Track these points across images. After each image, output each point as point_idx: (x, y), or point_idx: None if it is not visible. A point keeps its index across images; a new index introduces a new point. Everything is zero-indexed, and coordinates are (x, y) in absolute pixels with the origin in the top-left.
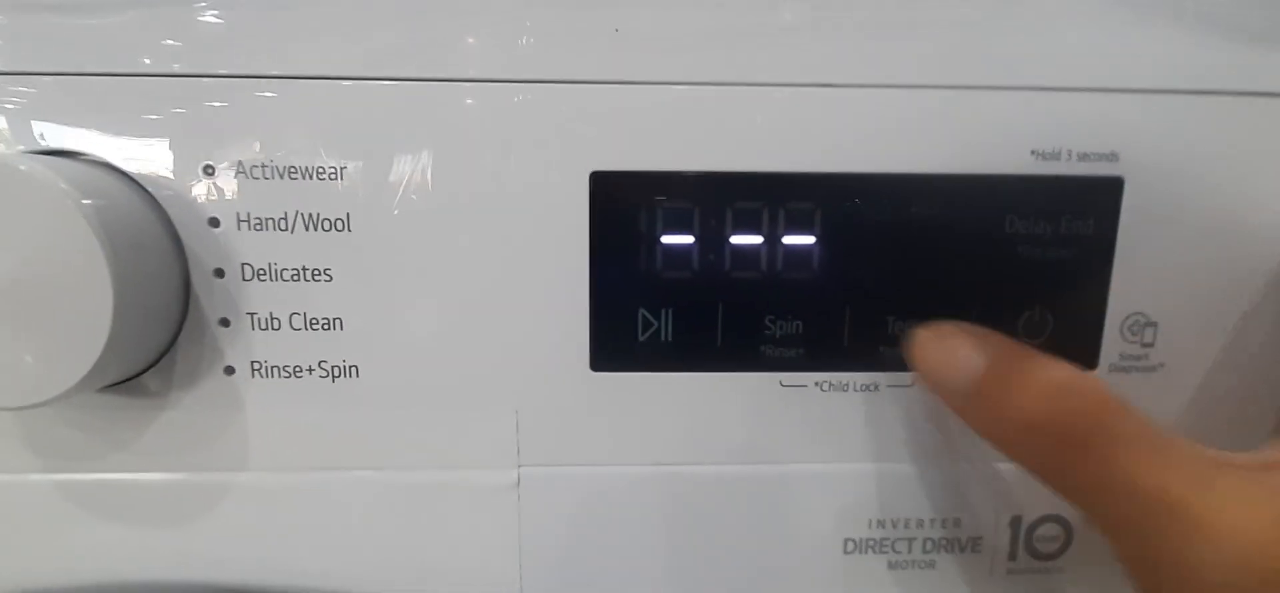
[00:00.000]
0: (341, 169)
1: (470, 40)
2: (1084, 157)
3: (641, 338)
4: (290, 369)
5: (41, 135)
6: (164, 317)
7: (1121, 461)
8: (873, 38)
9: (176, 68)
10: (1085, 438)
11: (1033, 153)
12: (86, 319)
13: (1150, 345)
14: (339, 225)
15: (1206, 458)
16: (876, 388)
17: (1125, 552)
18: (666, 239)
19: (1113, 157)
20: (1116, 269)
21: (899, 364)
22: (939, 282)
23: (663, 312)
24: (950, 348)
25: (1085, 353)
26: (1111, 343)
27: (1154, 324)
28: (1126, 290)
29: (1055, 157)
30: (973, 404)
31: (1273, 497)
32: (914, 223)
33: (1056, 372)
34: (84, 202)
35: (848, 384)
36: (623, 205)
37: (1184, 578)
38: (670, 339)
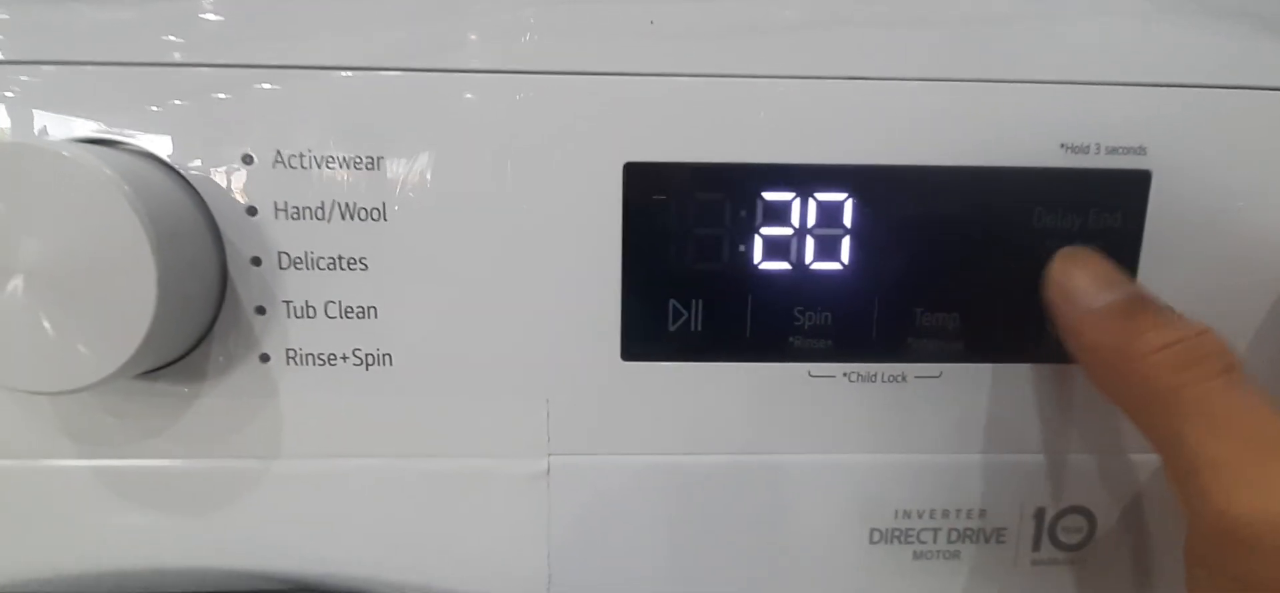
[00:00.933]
0: (378, 160)
1: (507, 33)
2: (1113, 150)
3: (672, 328)
4: (324, 357)
5: (77, 125)
6: (201, 304)
7: (1223, 395)
8: (904, 31)
9: (217, 58)
10: (1199, 368)
11: (1062, 146)
12: (129, 305)
13: None
14: (375, 215)
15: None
16: (904, 379)
17: (1200, 473)
18: (697, 230)
19: (1141, 150)
20: (1143, 261)
21: (926, 356)
22: (968, 273)
23: (693, 302)
24: (1098, 269)
25: None
26: None
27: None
28: (1153, 282)
29: (1084, 150)
30: (1102, 319)
31: None
32: (943, 215)
33: (1187, 319)
34: (126, 188)
35: (876, 375)
36: (655, 196)
37: (1262, 498)
38: (700, 329)
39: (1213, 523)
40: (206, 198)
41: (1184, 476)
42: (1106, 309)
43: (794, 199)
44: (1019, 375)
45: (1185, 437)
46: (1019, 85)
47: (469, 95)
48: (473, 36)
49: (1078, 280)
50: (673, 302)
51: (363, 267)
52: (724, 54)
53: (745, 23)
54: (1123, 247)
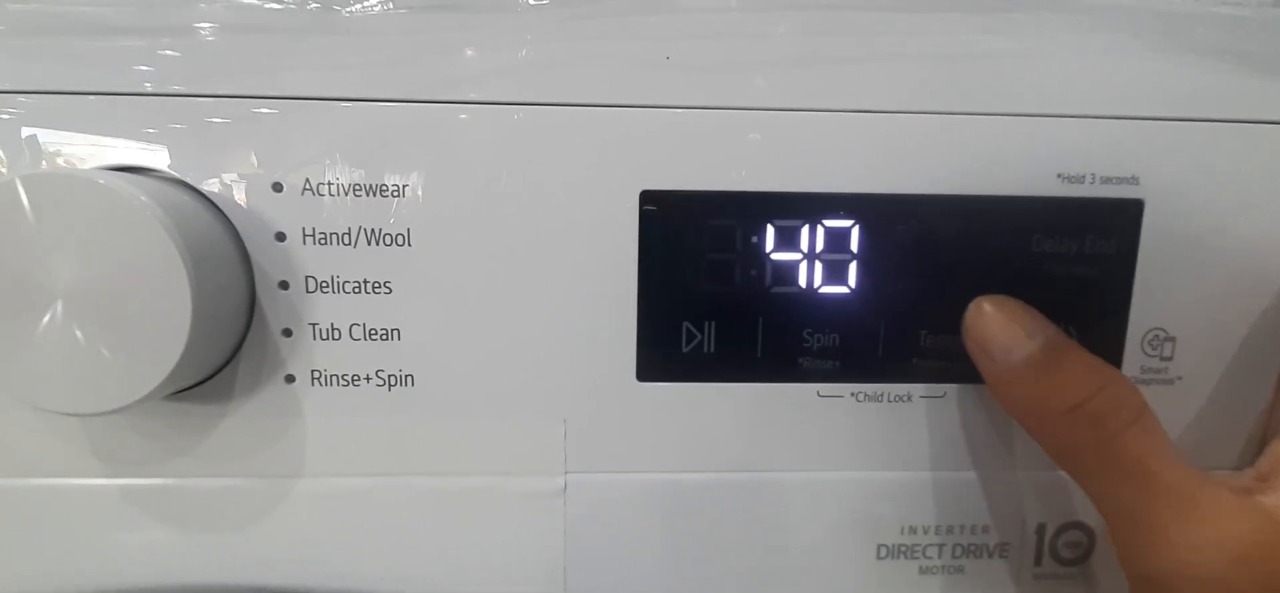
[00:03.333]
0: (404, 187)
1: (529, 67)
2: (1107, 180)
3: (685, 349)
4: (349, 378)
5: (111, 153)
6: (230, 327)
7: (1135, 447)
8: (907, 67)
9: (250, 89)
10: (1110, 423)
11: (1058, 176)
12: (165, 328)
13: (1169, 359)
14: (400, 241)
15: (1203, 473)
16: (909, 399)
17: (1119, 527)
18: (710, 255)
19: (1134, 180)
20: (1137, 287)
21: (930, 376)
22: (969, 297)
23: (706, 324)
24: (1014, 321)
25: None
26: (1132, 356)
27: (1173, 339)
28: (1147, 307)
29: (1080, 180)
30: (1018, 376)
31: (1273, 498)
32: (946, 241)
33: (1099, 363)
34: (161, 214)
35: (882, 395)
36: (670, 222)
37: (1176, 553)
38: (713, 351)
39: (1139, 578)
40: (237, 224)
41: (1111, 526)
42: (1022, 364)
43: (803, 226)
44: None
45: (1105, 492)
46: (1017, 118)
47: (491, 126)
48: (496, 70)
49: (991, 331)
50: (686, 324)
51: (387, 290)
52: (736, 87)
53: (756, 58)
54: (1117, 272)
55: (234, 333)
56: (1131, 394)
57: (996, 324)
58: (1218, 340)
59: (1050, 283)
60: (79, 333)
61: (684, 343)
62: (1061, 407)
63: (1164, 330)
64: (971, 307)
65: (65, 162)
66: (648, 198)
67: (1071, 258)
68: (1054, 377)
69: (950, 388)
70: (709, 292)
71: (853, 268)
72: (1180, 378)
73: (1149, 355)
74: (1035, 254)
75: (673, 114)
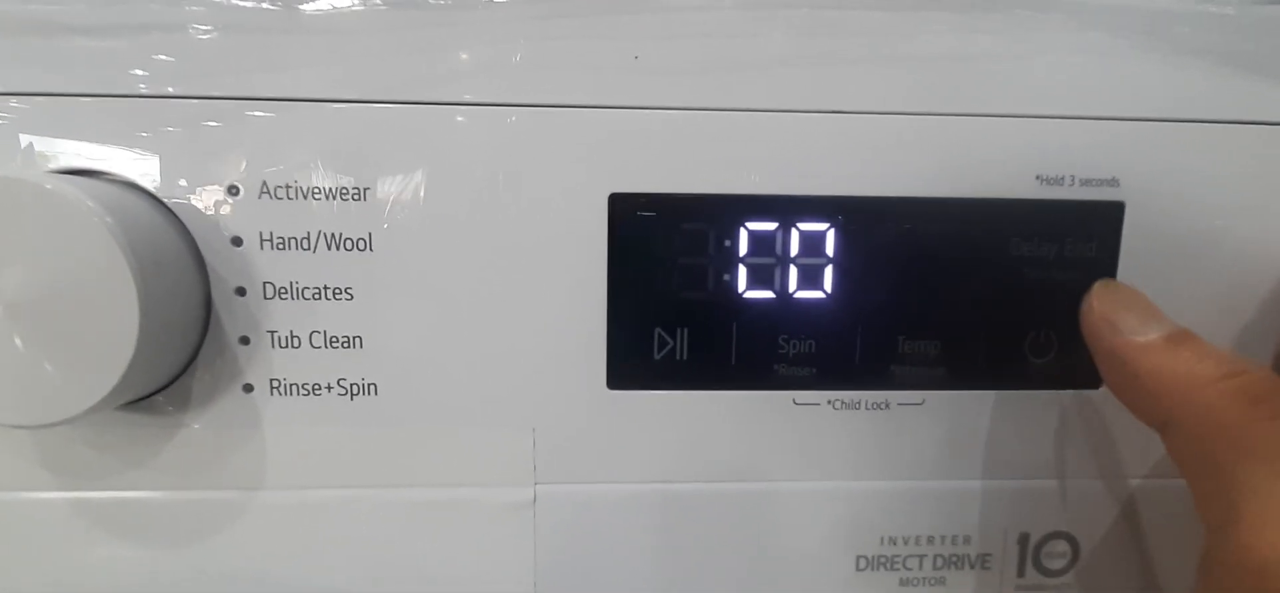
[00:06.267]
0: (364, 190)
1: (493, 67)
2: (1086, 182)
3: (657, 357)
4: (309, 387)
5: (63, 155)
6: (184, 335)
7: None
8: (883, 68)
9: (204, 90)
10: (1256, 422)
11: (1037, 178)
12: (111, 337)
13: None
14: (361, 245)
15: None
16: (887, 406)
17: (1249, 508)
18: (682, 259)
19: (1114, 182)
20: None
21: (909, 382)
22: (947, 302)
23: (678, 331)
24: (1143, 302)
25: (1089, 373)
26: None
27: None
28: None
29: (1059, 182)
30: (1156, 353)
31: None
32: (923, 245)
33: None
34: (108, 220)
35: (859, 403)
36: (640, 226)
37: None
38: (685, 358)
39: (1238, 554)
40: (191, 228)
41: (1222, 503)
42: (1164, 338)
43: (777, 229)
44: (1001, 401)
45: (1237, 468)
46: (995, 119)
47: (455, 127)
48: (459, 69)
49: (1122, 310)
50: (658, 330)
51: (348, 296)
52: (707, 88)
53: (727, 58)
54: (1097, 275)
55: (189, 341)
56: (1267, 383)
57: (1130, 303)
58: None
59: (1029, 286)
60: (20, 342)
61: (656, 350)
62: (1216, 374)
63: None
64: (1098, 288)
65: (12, 165)
66: (617, 201)
67: (1051, 261)
68: (1198, 346)
69: (929, 395)
70: (681, 297)
71: (829, 272)
72: None
73: None
74: (1014, 257)
75: (642, 115)
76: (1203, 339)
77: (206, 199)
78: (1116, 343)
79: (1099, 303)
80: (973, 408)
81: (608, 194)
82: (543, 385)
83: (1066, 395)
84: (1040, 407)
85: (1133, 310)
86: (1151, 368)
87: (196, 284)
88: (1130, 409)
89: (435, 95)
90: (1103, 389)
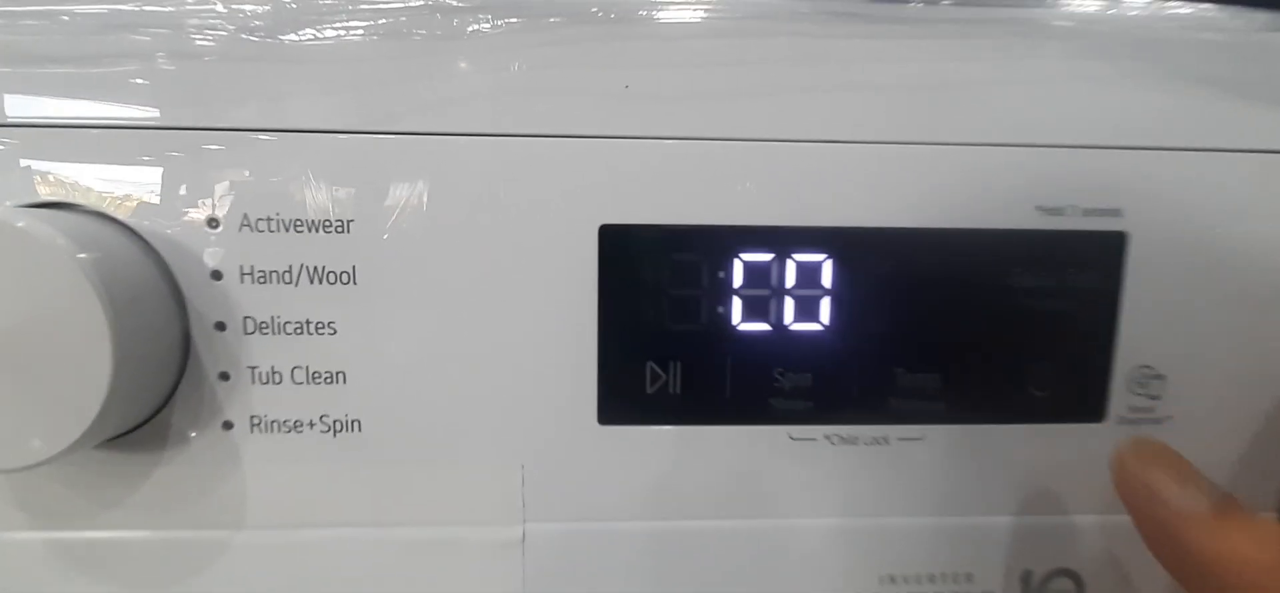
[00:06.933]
0: (348, 222)
1: (481, 97)
2: (1089, 212)
3: (650, 391)
4: (291, 424)
5: (38, 186)
6: (162, 371)
7: None
8: (880, 95)
9: (181, 120)
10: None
11: (1038, 208)
12: (85, 377)
13: (1157, 398)
14: (344, 279)
15: None
16: (886, 441)
17: None
18: (675, 291)
19: (1116, 212)
20: (1122, 323)
21: (908, 417)
22: (947, 335)
23: (671, 364)
24: (1177, 462)
25: (1092, 406)
26: (1119, 396)
27: (1161, 377)
28: (1133, 344)
29: (1060, 212)
30: (1211, 532)
31: None
32: (921, 276)
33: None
34: (81, 256)
35: (857, 437)
36: (631, 258)
37: None
38: (679, 392)
39: None
40: (169, 262)
41: None
42: (1210, 511)
43: (772, 260)
44: (1001, 436)
45: None
46: (995, 148)
47: (442, 157)
48: (446, 99)
49: (1159, 473)
50: (650, 364)
51: (331, 331)
52: (699, 117)
53: (720, 87)
54: (1100, 307)
55: (167, 378)
56: None
57: (1167, 467)
58: (1209, 377)
59: (1030, 319)
60: None
61: (648, 384)
62: (1271, 561)
63: (1151, 368)
64: (1129, 449)
65: None
66: (608, 232)
67: (1052, 293)
68: (1244, 521)
69: (929, 429)
70: (674, 330)
71: (825, 304)
72: (1170, 418)
73: (1136, 394)
74: (1014, 289)
75: (633, 145)
76: (1245, 508)
77: (185, 232)
78: (1158, 513)
79: (1133, 463)
80: (973, 442)
81: (598, 226)
82: (532, 421)
83: (1068, 429)
84: (1042, 441)
85: (1171, 474)
86: (1198, 545)
87: (174, 319)
88: (1169, 571)
89: (422, 125)
90: (1106, 422)
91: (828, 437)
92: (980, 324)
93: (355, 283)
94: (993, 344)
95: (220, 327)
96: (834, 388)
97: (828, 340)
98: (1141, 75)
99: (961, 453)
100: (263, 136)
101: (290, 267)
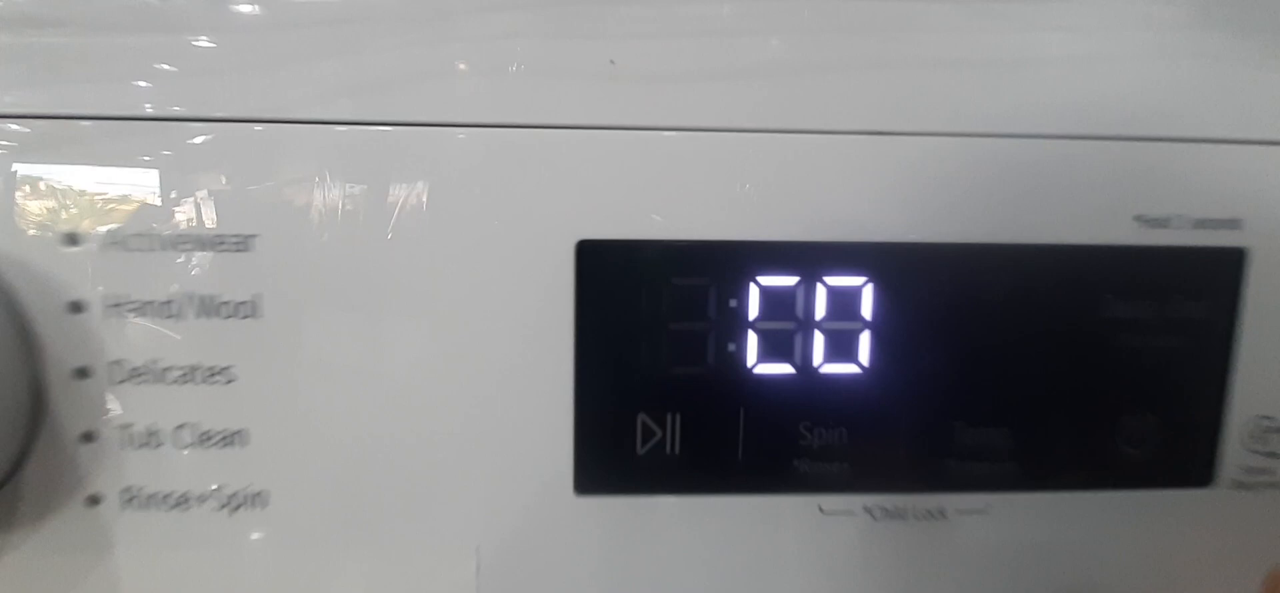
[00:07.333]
0: (248, 239)
1: (425, 76)
2: (1200, 223)
3: (641, 451)
4: (176, 498)
5: None
6: (6, 430)
7: None
8: (936, 75)
9: (31, 107)
10: None
11: (1137, 218)
12: None
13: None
14: (245, 310)
15: None
16: (942, 515)
17: None
18: (674, 325)
19: (1235, 223)
20: (1239, 363)
21: (969, 483)
22: (1019, 378)
23: (668, 417)
24: None
25: (1198, 467)
26: (1232, 455)
27: None
28: (1251, 389)
29: (1164, 223)
30: None
31: None
32: (989, 304)
33: None
34: None
35: (906, 510)
36: (617, 282)
37: None
38: (678, 453)
39: None
40: (16, 290)
41: None
42: None
43: (798, 285)
44: (1087, 506)
45: None
46: (1081, 142)
47: (370, 152)
48: (377, 77)
49: None
50: (643, 417)
51: (227, 379)
52: (704, 101)
53: (732, 62)
54: (1210, 342)
55: (13, 440)
56: None
57: None
58: None
59: (1124, 359)
60: None
61: (639, 443)
62: None
63: (1273, 420)
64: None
65: None
66: (587, 250)
67: (1152, 326)
68: None
69: (995, 499)
70: (672, 374)
71: (865, 340)
72: None
73: (1253, 452)
74: (1105, 320)
75: (620, 138)
76: None
77: (35, 251)
78: None
79: None
80: (1051, 515)
81: (575, 241)
82: (489, 491)
83: (1170, 496)
84: (1138, 511)
85: None
86: None
87: (21, 363)
88: None
89: (340, 113)
90: (1216, 486)
91: (868, 509)
92: (1061, 365)
93: (258, 315)
94: (1077, 391)
95: (82, 374)
96: (876, 447)
97: (868, 387)
98: (1271, 52)
99: (1037, 528)
100: (133, 127)
101: (172, 296)
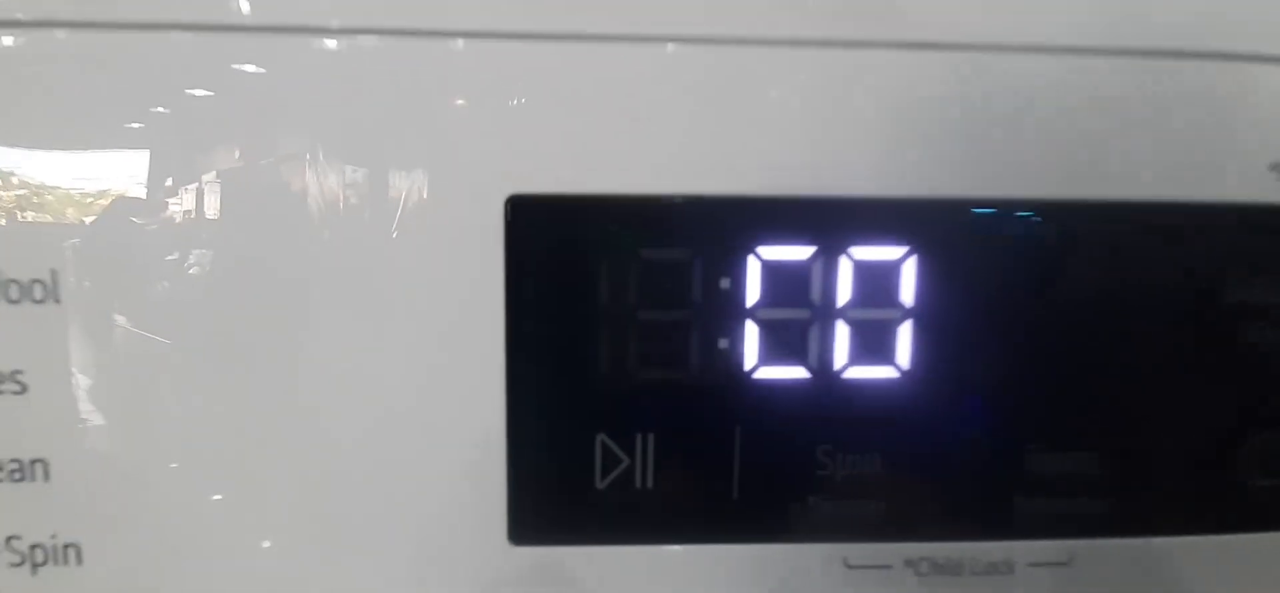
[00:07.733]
0: (41, 191)
1: None
2: None
3: (601, 485)
4: None
5: None
6: None
7: None
8: None
9: None
10: None
11: (1273, 168)
12: None
13: None
14: (38, 292)
15: None
16: (1010, 568)
17: None
18: (644, 314)
19: None
20: None
21: (1046, 528)
22: (1111, 387)
23: (639, 440)
24: None
25: None
26: None
27: None
28: None
29: None
30: None
31: None
32: (1070, 285)
33: None
34: None
35: (961, 563)
36: (565, 255)
37: None
38: (650, 486)
39: None
40: None
41: None
42: None
43: (814, 257)
44: (1201, 557)
45: None
46: (1199, 62)
47: (211, 70)
48: None
49: None
50: (602, 439)
51: (17, 387)
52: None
53: None
54: None
55: None
56: None
57: None
58: None
59: (1255, 360)
60: None
61: (598, 474)
62: None
63: None
64: None
65: None
66: (522, 208)
67: None
68: None
69: (1079, 547)
70: (642, 381)
71: (905, 333)
72: None
73: None
74: (1229, 308)
75: (563, 51)
76: None
77: None
78: None
79: None
80: (1153, 568)
81: (505, 197)
82: (397, 542)
83: None
84: (1269, 561)
85: None
86: None
87: None
88: None
89: (168, 14)
90: None
91: (911, 563)
92: (1169, 366)
93: (57, 300)
94: (1189, 398)
95: None
96: (919, 479)
97: (909, 398)
98: None
99: (1133, 587)
100: None
101: None
